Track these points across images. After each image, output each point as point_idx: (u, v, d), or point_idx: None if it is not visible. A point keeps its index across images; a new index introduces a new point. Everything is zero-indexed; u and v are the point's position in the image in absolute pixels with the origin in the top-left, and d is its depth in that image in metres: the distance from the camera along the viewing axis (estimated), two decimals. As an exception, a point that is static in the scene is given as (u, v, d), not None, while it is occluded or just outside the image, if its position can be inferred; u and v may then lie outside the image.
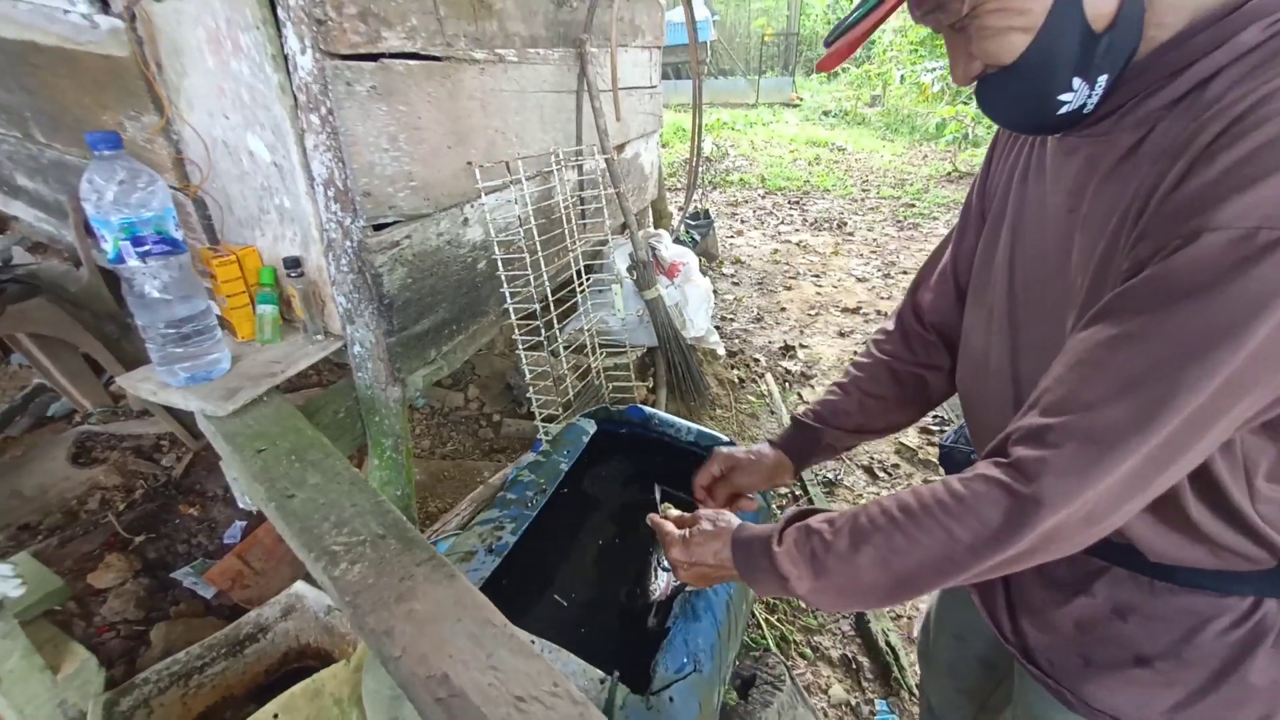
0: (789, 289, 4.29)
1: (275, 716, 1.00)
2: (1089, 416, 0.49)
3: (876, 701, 1.69)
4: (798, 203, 6.18)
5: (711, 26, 11.98)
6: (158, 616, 1.42)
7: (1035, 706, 0.76)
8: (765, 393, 2.93)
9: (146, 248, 1.04)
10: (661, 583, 1.08)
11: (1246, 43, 0.46)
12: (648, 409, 1.44)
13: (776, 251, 4.94)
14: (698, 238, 4.32)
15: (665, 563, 1.10)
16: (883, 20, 0.54)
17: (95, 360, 2.00)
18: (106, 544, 1.57)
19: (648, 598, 1.09)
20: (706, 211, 4.76)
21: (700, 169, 7.25)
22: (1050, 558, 0.55)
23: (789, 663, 1.57)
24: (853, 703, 1.68)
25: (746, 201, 6.24)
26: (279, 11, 1.05)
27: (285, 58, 1.09)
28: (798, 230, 5.42)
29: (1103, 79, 0.52)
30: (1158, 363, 0.46)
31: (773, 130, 9.31)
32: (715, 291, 4.15)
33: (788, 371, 3.19)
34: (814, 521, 0.64)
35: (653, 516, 0.84)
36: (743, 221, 5.68)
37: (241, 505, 1.28)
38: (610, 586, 1.16)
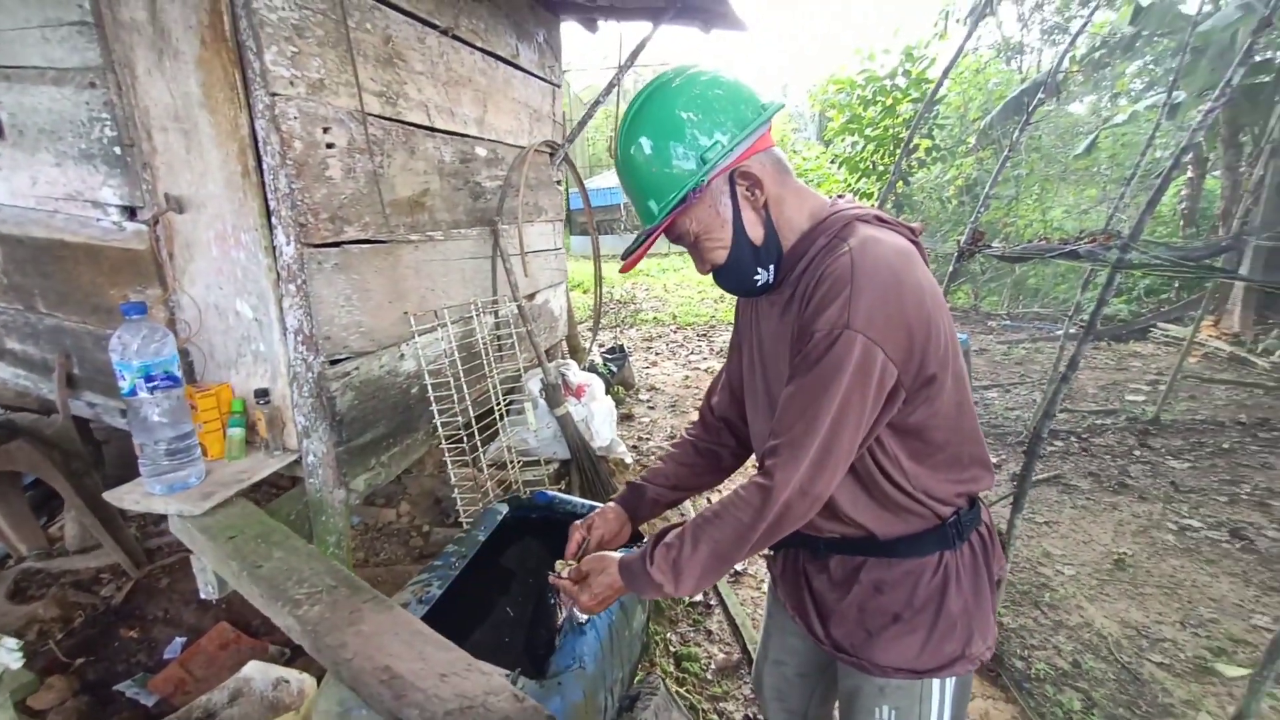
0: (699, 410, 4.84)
1: (234, 758, 1.21)
2: (788, 434, 0.92)
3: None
4: (705, 335, 7.02)
5: (622, 191, 13.86)
6: (99, 728, 1.54)
7: (849, 685, 1.10)
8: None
9: (155, 383, 1.43)
10: (564, 613, 1.40)
11: (819, 245, 0.98)
12: (551, 492, 1.83)
13: (688, 378, 5.58)
14: (615, 369, 4.88)
15: (563, 608, 1.43)
16: (651, 245, 1.05)
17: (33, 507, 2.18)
18: (45, 669, 1.69)
19: (553, 624, 1.40)
20: (621, 346, 5.39)
21: (609, 310, 8.07)
22: (793, 524, 0.94)
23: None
24: (751, 752, 1.93)
25: (660, 336, 7.03)
26: (273, 219, 1.56)
27: (274, 248, 1.58)
28: (706, 359, 6.14)
29: (772, 266, 1.02)
30: (807, 401, 0.91)
31: (683, 275, 10.58)
32: (632, 415, 4.65)
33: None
34: (668, 538, 0.99)
35: (552, 579, 1.12)
36: (657, 354, 6.38)
37: (204, 595, 1.52)
38: (517, 621, 1.47)
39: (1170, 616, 2.66)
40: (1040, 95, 3.46)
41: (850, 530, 1.04)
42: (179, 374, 1.48)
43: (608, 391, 3.81)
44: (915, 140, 8.08)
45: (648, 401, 5.04)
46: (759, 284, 1.02)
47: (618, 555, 1.06)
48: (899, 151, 7.81)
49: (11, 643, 1.17)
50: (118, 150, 1.61)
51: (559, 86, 3.22)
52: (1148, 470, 3.99)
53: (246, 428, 1.69)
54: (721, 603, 2.59)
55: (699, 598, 2.62)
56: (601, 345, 5.48)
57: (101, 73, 1.55)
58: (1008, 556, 2.22)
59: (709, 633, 2.46)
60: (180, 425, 1.50)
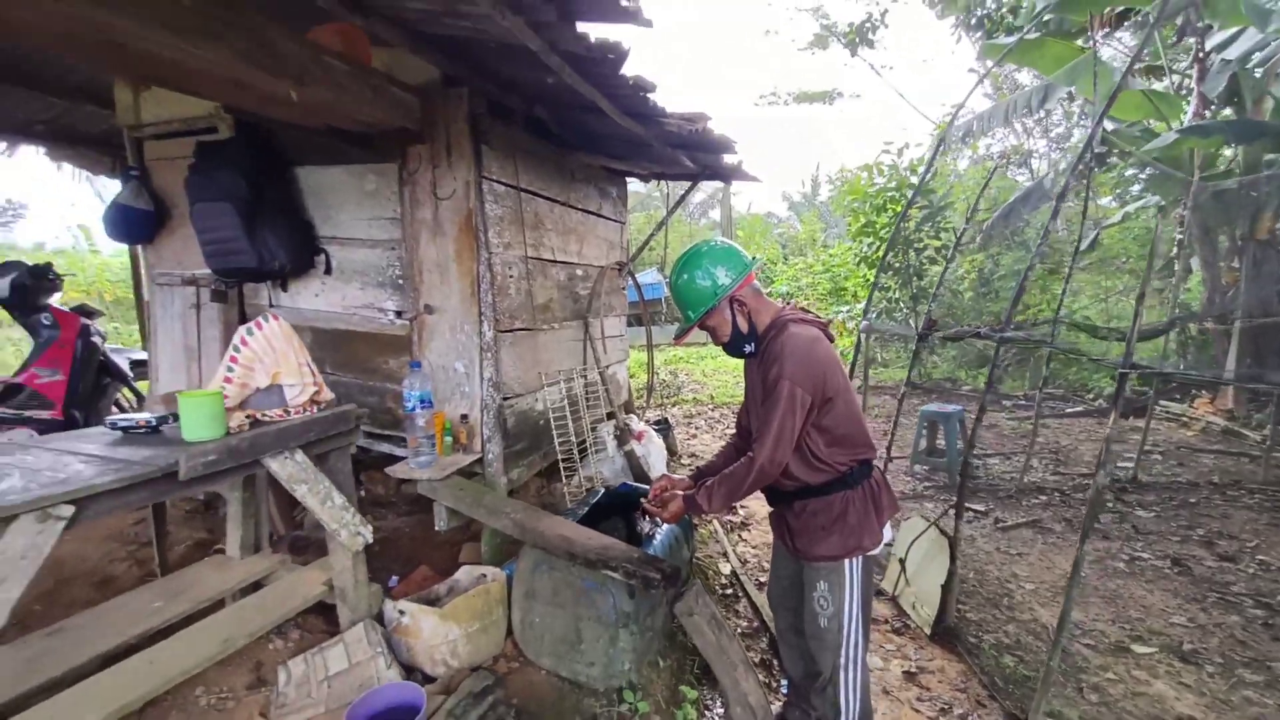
0: (732, 469, 5.93)
1: (474, 596, 2.38)
2: (760, 433, 2.06)
3: (782, 680, 2.94)
4: (740, 412, 8.16)
5: (665, 286, 15.65)
6: (367, 612, 2.72)
7: (806, 577, 2.03)
8: (713, 532, 4.41)
9: (425, 403, 2.73)
10: (646, 528, 2.56)
11: (772, 334, 2.22)
12: (630, 483, 3.02)
13: (723, 446, 6.69)
14: (661, 437, 6.07)
15: (645, 524, 2.60)
16: (690, 334, 2.31)
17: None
18: (325, 586, 2.90)
19: (640, 538, 2.57)
20: (665, 419, 6.59)
21: (656, 386, 9.32)
22: (767, 479, 2.05)
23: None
24: (769, 682, 2.93)
25: (699, 414, 8.22)
26: (482, 317, 2.92)
27: (481, 332, 2.92)
28: (740, 431, 7.26)
29: (753, 344, 2.24)
30: (769, 415, 2.03)
31: (720, 361, 11.89)
32: (676, 474, 5.78)
33: (730, 521, 4.70)
34: (708, 483, 2.13)
35: (642, 507, 2.33)
36: (697, 428, 7.54)
37: (438, 528, 2.74)
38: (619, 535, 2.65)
39: (1105, 616, 3.53)
40: (1024, 208, 4.73)
41: (797, 484, 1.99)
42: (432, 400, 2.79)
43: (658, 447, 4.99)
44: (924, 240, 9.46)
45: (688, 466, 6.16)
46: (747, 353, 2.05)
47: (681, 492, 2.23)
48: (906, 249, 9.16)
49: (369, 527, 2.39)
50: (400, 281, 3.05)
51: (625, 224, 4.72)
52: (1116, 518, 4.85)
53: (454, 438, 2.98)
54: (746, 595, 3.61)
55: (729, 590, 3.65)
56: (649, 421, 6.70)
57: (399, 242, 3.02)
58: (955, 556, 3.22)
59: (737, 612, 3.48)
60: (430, 429, 2.79)
